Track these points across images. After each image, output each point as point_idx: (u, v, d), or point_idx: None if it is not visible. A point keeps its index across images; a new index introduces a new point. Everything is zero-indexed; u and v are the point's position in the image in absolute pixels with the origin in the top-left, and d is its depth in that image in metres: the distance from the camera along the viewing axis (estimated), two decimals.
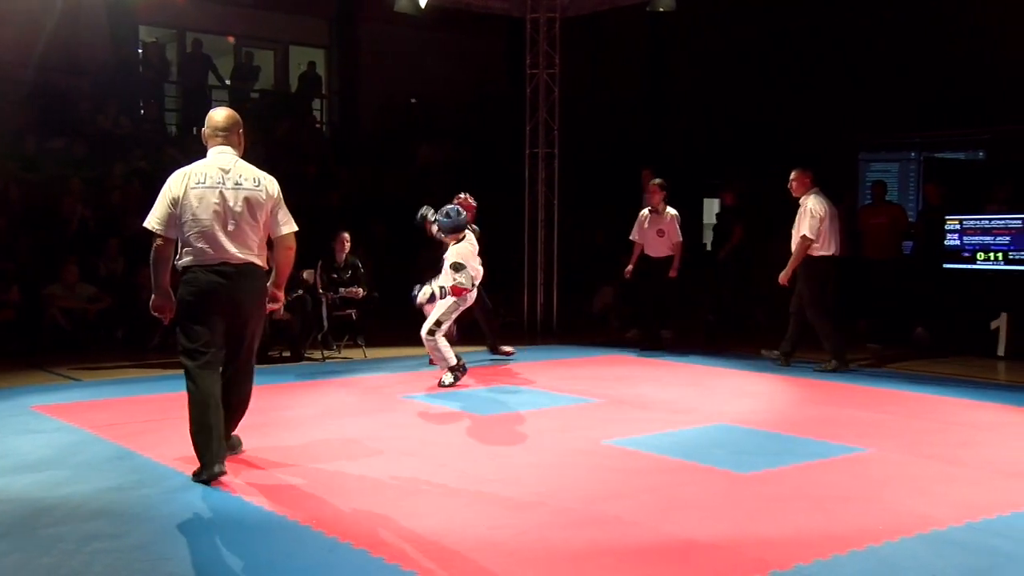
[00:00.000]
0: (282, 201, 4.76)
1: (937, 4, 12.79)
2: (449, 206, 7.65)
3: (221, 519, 4.00)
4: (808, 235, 8.03)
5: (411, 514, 4.06)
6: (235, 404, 4.79)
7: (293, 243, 4.80)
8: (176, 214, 4.58)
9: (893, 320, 10.10)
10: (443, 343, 7.32)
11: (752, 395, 7.11)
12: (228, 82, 14.65)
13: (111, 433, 5.59)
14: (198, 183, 4.57)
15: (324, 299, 9.14)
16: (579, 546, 3.67)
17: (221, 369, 4.66)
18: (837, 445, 5.32)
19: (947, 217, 9.75)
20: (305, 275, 9.25)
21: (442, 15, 11.99)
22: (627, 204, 10.86)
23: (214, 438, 4.49)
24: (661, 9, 10.87)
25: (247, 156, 4.82)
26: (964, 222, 9.57)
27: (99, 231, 10.58)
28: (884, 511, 4.10)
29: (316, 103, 15.69)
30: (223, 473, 4.50)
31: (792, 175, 8.35)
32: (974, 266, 9.48)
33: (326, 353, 9.14)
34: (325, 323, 9.13)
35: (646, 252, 9.82)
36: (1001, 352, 9.10)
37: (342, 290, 9.22)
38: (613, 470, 4.82)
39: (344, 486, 4.51)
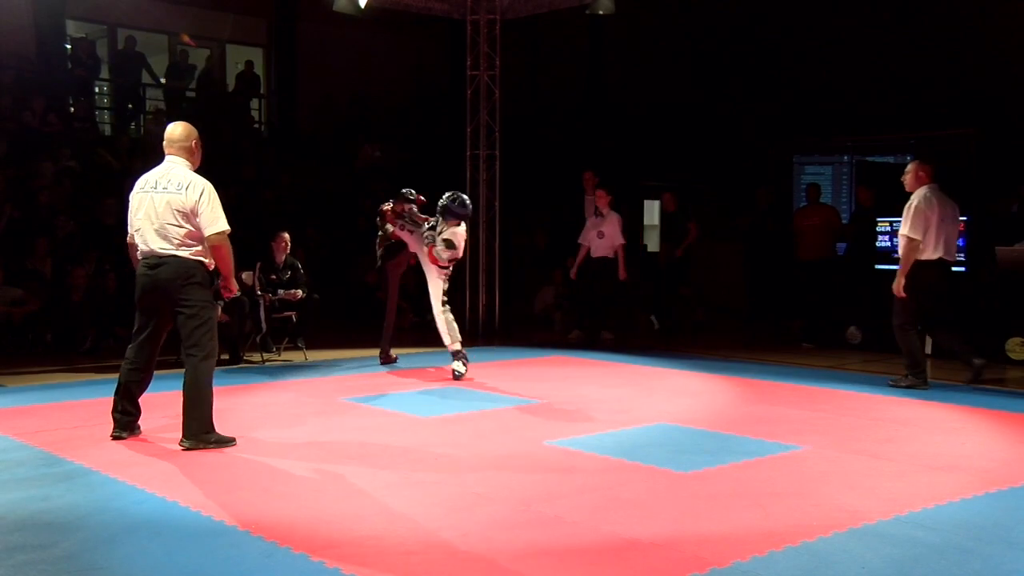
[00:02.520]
0: (209, 203, 5.20)
1: (869, 13, 13.16)
2: (463, 196, 7.86)
3: (155, 526, 3.90)
4: (913, 235, 7.19)
5: (352, 517, 4.02)
6: (188, 382, 5.25)
7: (221, 241, 5.25)
8: (132, 213, 5.33)
9: (825, 319, 10.35)
10: (451, 316, 7.79)
11: (692, 394, 7.21)
12: (163, 80, 14.33)
13: (38, 440, 5.42)
14: (140, 189, 5.30)
15: (262, 301, 8.99)
16: (521, 546, 3.68)
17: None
18: (773, 443, 5.43)
19: (878, 219, 10.01)
20: (244, 277, 9.08)
21: (382, 16, 11.92)
22: (567, 206, 10.96)
23: (116, 406, 5.38)
24: (600, 12, 10.99)
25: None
26: (894, 224, 9.84)
27: (26, 231, 10.24)
28: (817, 507, 4.20)
29: (254, 103, 15.45)
30: (120, 438, 5.34)
31: (908, 167, 7.52)
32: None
33: (265, 356, 9.01)
34: (264, 325, 8.99)
35: (590, 253, 9.99)
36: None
37: (281, 292, 9.09)
38: (555, 470, 4.85)
39: (283, 490, 4.45)
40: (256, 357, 8.97)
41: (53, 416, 6.19)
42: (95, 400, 6.73)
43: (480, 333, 11.20)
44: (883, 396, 7.10)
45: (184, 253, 5.18)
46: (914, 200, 7.32)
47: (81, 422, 5.96)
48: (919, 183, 7.38)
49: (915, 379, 7.42)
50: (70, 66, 13.45)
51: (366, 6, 10.38)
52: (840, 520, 3.98)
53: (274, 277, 9.18)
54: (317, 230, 12.43)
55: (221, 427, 5.80)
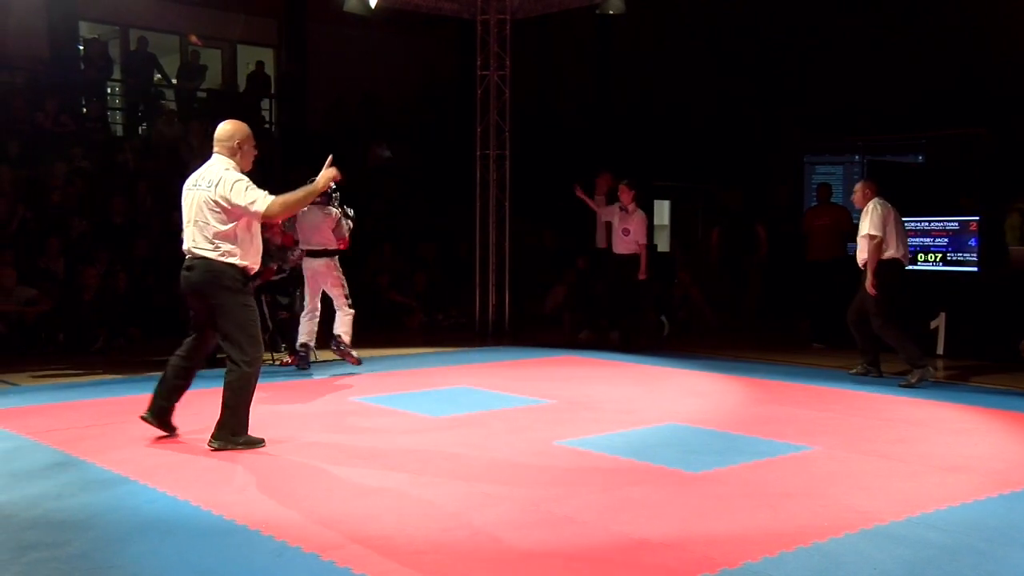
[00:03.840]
0: (243, 190, 5.01)
1: (879, 13, 13.11)
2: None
3: (167, 525, 3.92)
4: (874, 232, 7.58)
5: (362, 516, 4.03)
6: (227, 385, 5.13)
7: (274, 212, 5.05)
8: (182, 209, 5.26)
9: (836, 320, 10.30)
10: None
11: (701, 395, 7.20)
12: (174, 81, 14.38)
13: (51, 439, 5.44)
14: (186, 186, 5.24)
15: (263, 300, 9.05)
16: (531, 546, 3.68)
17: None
18: (783, 443, 5.41)
19: None
20: None
21: (392, 16, 11.94)
22: (577, 206, 10.92)
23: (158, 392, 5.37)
24: (611, 12, 10.98)
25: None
26: (905, 224, 9.79)
27: (40, 231, 10.30)
28: (829, 508, 4.19)
29: (264, 103, 15.49)
30: (147, 420, 5.33)
31: (856, 188, 8.11)
32: (914, 267, 9.72)
33: (275, 355, 9.02)
34: (269, 323, 9.04)
35: (612, 249, 9.83)
36: (940, 351, 9.35)
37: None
38: (564, 471, 4.84)
39: (293, 489, 4.46)
40: (265, 357, 8.97)
41: (65, 415, 6.22)
42: (107, 399, 6.78)
43: (490, 333, 11.20)
44: (893, 396, 7.07)
45: (213, 255, 5.05)
46: (869, 206, 7.77)
47: (93, 421, 5.99)
48: (866, 199, 7.86)
49: (922, 371, 7.50)
50: (82, 67, 13.52)
51: (376, 6, 10.40)
52: (851, 521, 3.96)
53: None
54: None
55: None
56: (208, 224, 5.04)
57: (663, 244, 14.98)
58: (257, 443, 5.22)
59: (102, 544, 3.69)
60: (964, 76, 12.25)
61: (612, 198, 10.38)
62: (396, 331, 11.18)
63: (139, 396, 6.91)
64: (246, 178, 5.12)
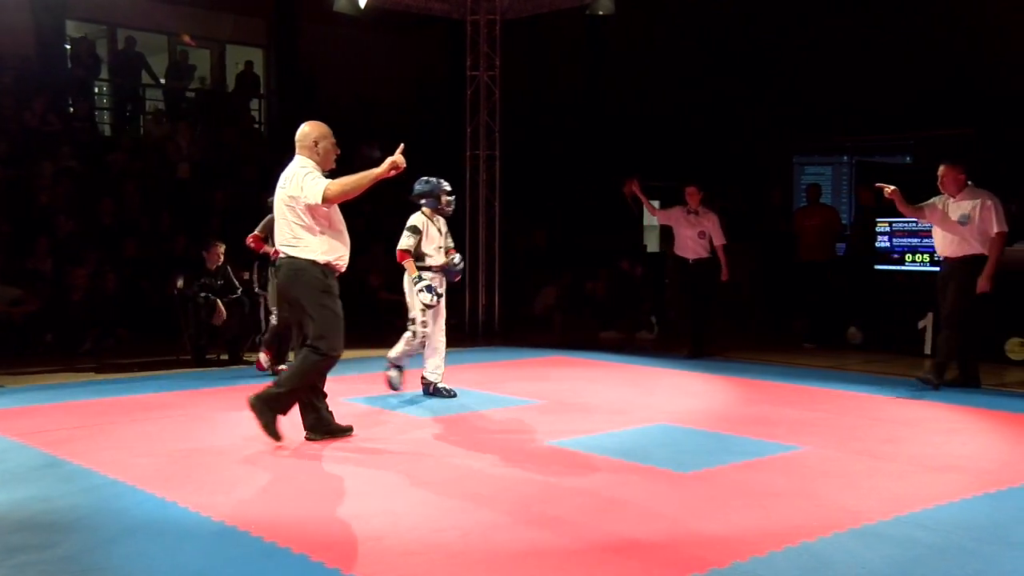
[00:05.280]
0: (298, 184, 5.08)
1: (868, 13, 13.16)
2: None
3: (155, 527, 3.90)
4: (1006, 228, 7.11)
5: (352, 517, 4.02)
6: (295, 363, 5.35)
7: (334, 196, 5.02)
8: None
9: (828, 320, 10.35)
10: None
11: (692, 395, 7.21)
12: (163, 81, 14.33)
13: (38, 440, 5.41)
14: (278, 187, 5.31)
15: (262, 300, 9.01)
16: (522, 547, 3.68)
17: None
18: (773, 443, 5.43)
19: (877, 219, 10.02)
20: (247, 276, 9.10)
21: (382, 16, 11.91)
22: (567, 206, 10.91)
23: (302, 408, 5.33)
24: (600, 12, 10.99)
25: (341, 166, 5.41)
26: (894, 224, 9.85)
27: (27, 231, 10.24)
28: (817, 507, 4.20)
29: (254, 103, 15.45)
30: (310, 439, 5.31)
31: (943, 171, 7.43)
32: (903, 267, 9.77)
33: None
34: (263, 324, 9.00)
35: (680, 254, 9.29)
36: (927, 351, 9.39)
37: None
38: (555, 471, 4.84)
39: (282, 490, 4.45)
40: (255, 357, 8.95)
41: (53, 416, 6.19)
42: (95, 400, 6.75)
43: (480, 333, 11.20)
44: (883, 396, 7.10)
45: (295, 252, 5.15)
46: (983, 199, 7.21)
47: (81, 422, 5.96)
48: (959, 185, 7.36)
49: (937, 377, 7.34)
50: (70, 66, 13.45)
51: (366, 6, 10.38)
52: (840, 520, 3.98)
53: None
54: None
55: (218, 427, 5.82)
56: (287, 222, 5.16)
57: (652, 245, 15.02)
58: (277, 436, 5.20)
59: (90, 546, 3.67)
60: (953, 77, 12.30)
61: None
62: (387, 331, 11.14)
63: (128, 397, 6.91)
64: (314, 171, 5.14)
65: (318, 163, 5.24)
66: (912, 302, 9.63)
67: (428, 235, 6.76)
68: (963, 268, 7.28)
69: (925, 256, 9.57)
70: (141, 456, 5.07)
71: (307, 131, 5.32)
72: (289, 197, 5.14)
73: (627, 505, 4.23)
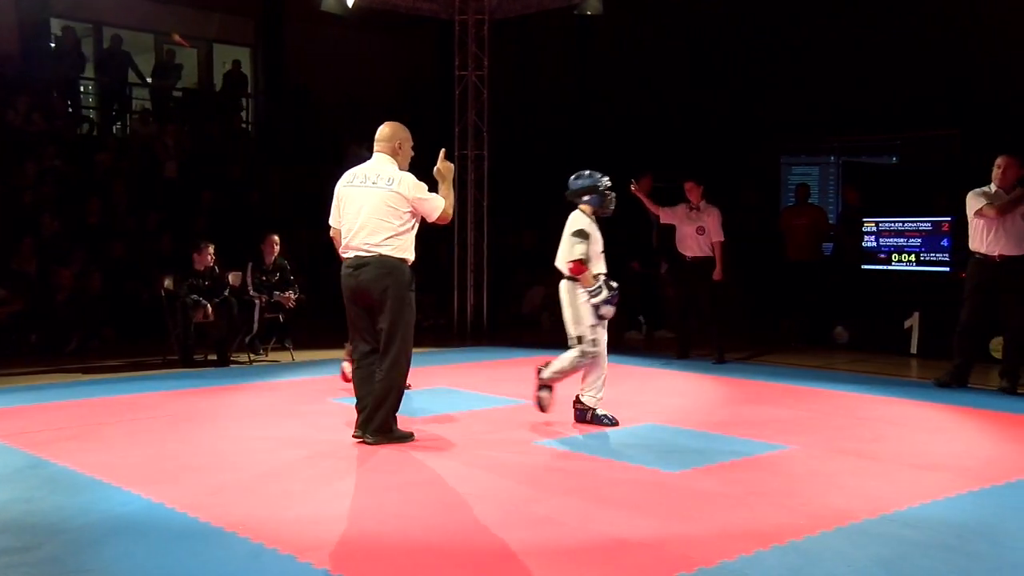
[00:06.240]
0: (423, 191, 5.23)
1: (855, 14, 13.21)
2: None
3: (141, 527, 3.88)
4: None
5: (339, 518, 4.00)
6: (377, 389, 5.22)
7: (447, 215, 5.30)
8: (337, 208, 5.35)
9: (815, 319, 10.39)
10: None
11: (680, 395, 7.23)
12: (149, 80, 14.25)
13: (22, 441, 5.37)
14: (347, 183, 5.32)
15: (258, 301, 9.02)
16: (510, 546, 3.67)
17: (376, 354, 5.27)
18: (760, 443, 5.44)
19: (864, 219, 10.07)
20: (231, 278, 9.08)
21: (370, 16, 11.89)
22: (555, 206, 10.87)
23: (361, 408, 5.28)
24: (588, 13, 11.00)
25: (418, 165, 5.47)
26: (880, 224, 9.90)
27: (11, 231, 10.16)
28: (804, 506, 4.22)
29: (241, 102, 15.38)
30: (360, 439, 5.23)
31: (1001, 162, 7.26)
32: (889, 267, 9.81)
33: (253, 357, 8.99)
34: (255, 325, 9.01)
35: (680, 251, 9.00)
36: (913, 350, 9.45)
37: (276, 293, 9.08)
38: (544, 471, 4.85)
39: (270, 490, 4.43)
40: (243, 358, 8.94)
41: (38, 417, 6.14)
42: (80, 401, 6.70)
43: (468, 333, 11.19)
44: (870, 395, 7.14)
45: (387, 251, 5.17)
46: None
47: (66, 423, 5.92)
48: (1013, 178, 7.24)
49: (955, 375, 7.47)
50: (54, 62, 13.32)
51: (353, 5, 10.36)
52: (827, 519, 3.99)
53: (264, 278, 9.16)
54: (309, 231, 12.37)
55: (206, 427, 5.80)
56: (385, 221, 5.15)
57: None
58: (407, 437, 5.31)
59: (74, 548, 3.65)
60: (939, 78, 12.36)
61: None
62: None
63: (113, 398, 6.87)
64: (416, 179, 5.26)
65: (399, 164, 5.34)
66: (899, 302, 9.68)
67: (594, 238, 5.83)
68: None
69: (911, 256, 9.62)
70: (127, 457, 5.05)
71: (391, 132, 5.41)
72: (402, 197, 5.16)
73: (615, 505, 4.24)
